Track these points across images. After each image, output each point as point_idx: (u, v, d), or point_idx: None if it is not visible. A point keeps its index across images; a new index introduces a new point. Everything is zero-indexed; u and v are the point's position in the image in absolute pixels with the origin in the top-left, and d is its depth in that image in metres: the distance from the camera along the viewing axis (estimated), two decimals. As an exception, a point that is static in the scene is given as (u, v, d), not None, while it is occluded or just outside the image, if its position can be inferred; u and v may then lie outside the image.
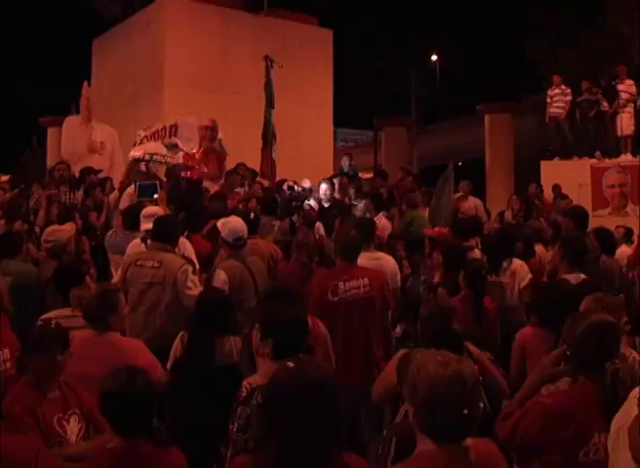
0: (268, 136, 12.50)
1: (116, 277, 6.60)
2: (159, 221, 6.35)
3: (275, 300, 4.56)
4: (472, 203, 12.95)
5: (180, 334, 5.02)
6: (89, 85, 13.58)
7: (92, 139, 12.29)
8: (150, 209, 7.07)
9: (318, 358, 4.48)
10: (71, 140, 12.54)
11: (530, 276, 6.63)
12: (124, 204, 8.80)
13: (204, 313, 4.90)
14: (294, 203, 10.06)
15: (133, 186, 9.09)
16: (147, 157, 10.05)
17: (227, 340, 4.85)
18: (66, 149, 12.48)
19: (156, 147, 10.48)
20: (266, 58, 12.74)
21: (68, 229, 7.01)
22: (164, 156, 10.39)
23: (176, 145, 10.70)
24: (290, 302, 4.43)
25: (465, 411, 2.51)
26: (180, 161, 10.62)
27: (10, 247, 6.86)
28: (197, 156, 11.33)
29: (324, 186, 11.12)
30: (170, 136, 10.86)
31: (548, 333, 4.59)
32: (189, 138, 11.02)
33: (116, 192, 9.49)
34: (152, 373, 4.03)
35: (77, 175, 10.93)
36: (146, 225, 6.62)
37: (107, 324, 4.58)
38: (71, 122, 13.17)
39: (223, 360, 4.75)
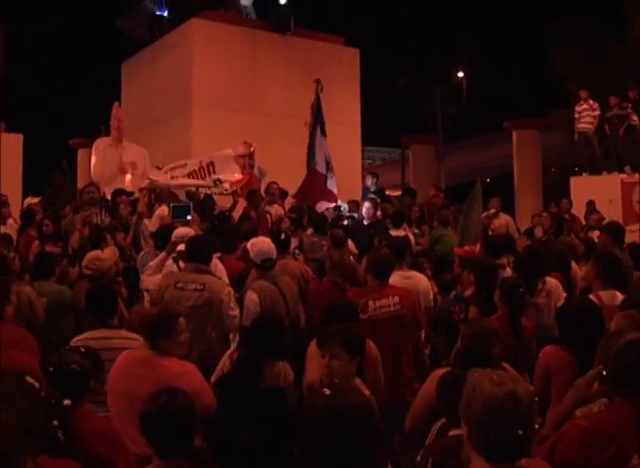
0: (310, 161, 12.48)
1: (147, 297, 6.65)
2: (192, 242, 6.36)
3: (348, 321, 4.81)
4: (503, 220, 12.82)
5: (229, 352, 5.05)
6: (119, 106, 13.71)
7: (123, 160, 12.34)
8: (181, 230, 7.07)
9: (369, 379, 4.51)
10: (102, 162, 12.60)
11: (565, 295, 6.49)
12: (154, 226, 8.85)
13: (257, 335, 4.90)
14: (339, 222, 10.12)
15: (163, 208, 9.17)
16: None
17: (277, 364, 4.85)
18: (97, 171, 12.54)
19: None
20: (317, 81, 12.63)
21: (110, 256, 6.91)
22: (209, 187, 10.77)
23: (218, 180, 10.85)
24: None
25: (520, 432, 2.50)
26: (228, 186, 10.88)
27: (44, 268, 6.94)
28: (243, 182, 11.42)
29: (367, 205, 11.06)
30: (210, 175, 11.01)
31: (568, 353, 4.53)
32: (229, 171, 11.14)
33: (135, 217, 9.57)
34: (201, 398, 4.06)
35: (109, 196, 10.99)
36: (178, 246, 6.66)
37: (162, 346, 4.49)
38: (101, 143, 13.22)
39: (270, 383, 4.74)
